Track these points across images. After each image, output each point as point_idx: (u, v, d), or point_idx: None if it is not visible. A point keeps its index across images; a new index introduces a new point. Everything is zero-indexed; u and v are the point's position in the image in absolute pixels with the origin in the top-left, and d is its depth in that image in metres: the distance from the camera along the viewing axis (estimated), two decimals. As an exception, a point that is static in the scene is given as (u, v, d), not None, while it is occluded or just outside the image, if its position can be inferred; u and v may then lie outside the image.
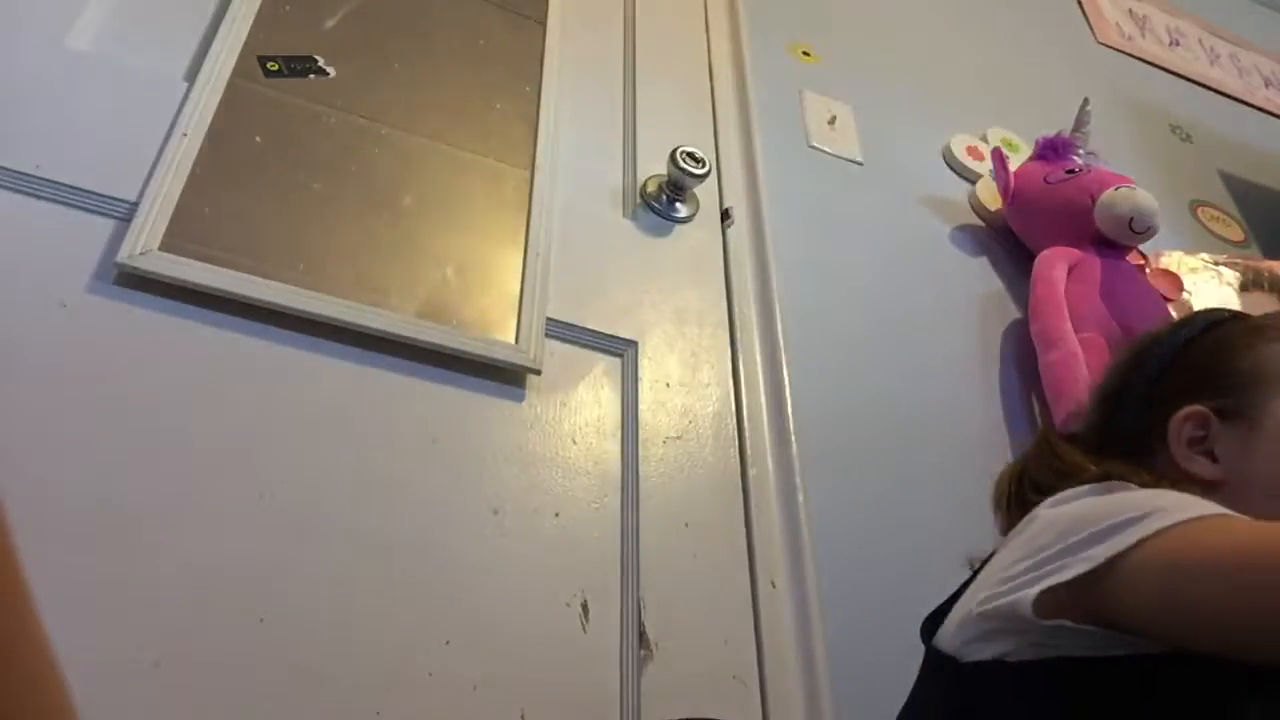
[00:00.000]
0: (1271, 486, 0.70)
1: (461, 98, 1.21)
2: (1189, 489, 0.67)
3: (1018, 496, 0.76)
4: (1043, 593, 0.58)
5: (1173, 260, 1.47)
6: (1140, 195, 1.26)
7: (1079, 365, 1.15)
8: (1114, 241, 1.27)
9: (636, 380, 1.05)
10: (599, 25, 1.43)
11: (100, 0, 1.07)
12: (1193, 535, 0.56)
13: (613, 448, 1.00)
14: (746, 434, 1.06)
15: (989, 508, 0.79)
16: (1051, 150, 1.36)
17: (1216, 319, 0.83)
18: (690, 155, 1.19)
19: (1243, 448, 0.72)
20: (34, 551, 0.83)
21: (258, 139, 1.04)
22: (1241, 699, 0.58)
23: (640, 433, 1.01)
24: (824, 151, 1.42)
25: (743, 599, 0.94)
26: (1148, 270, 1.41)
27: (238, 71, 1.07)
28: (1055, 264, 1.26)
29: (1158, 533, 0.56)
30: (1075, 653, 0.59)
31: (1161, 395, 0.78)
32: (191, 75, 1.05)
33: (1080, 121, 1.39)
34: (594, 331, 1.07)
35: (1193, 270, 1.47)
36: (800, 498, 1.02)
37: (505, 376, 0.99)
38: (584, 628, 0.87)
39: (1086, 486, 0.69)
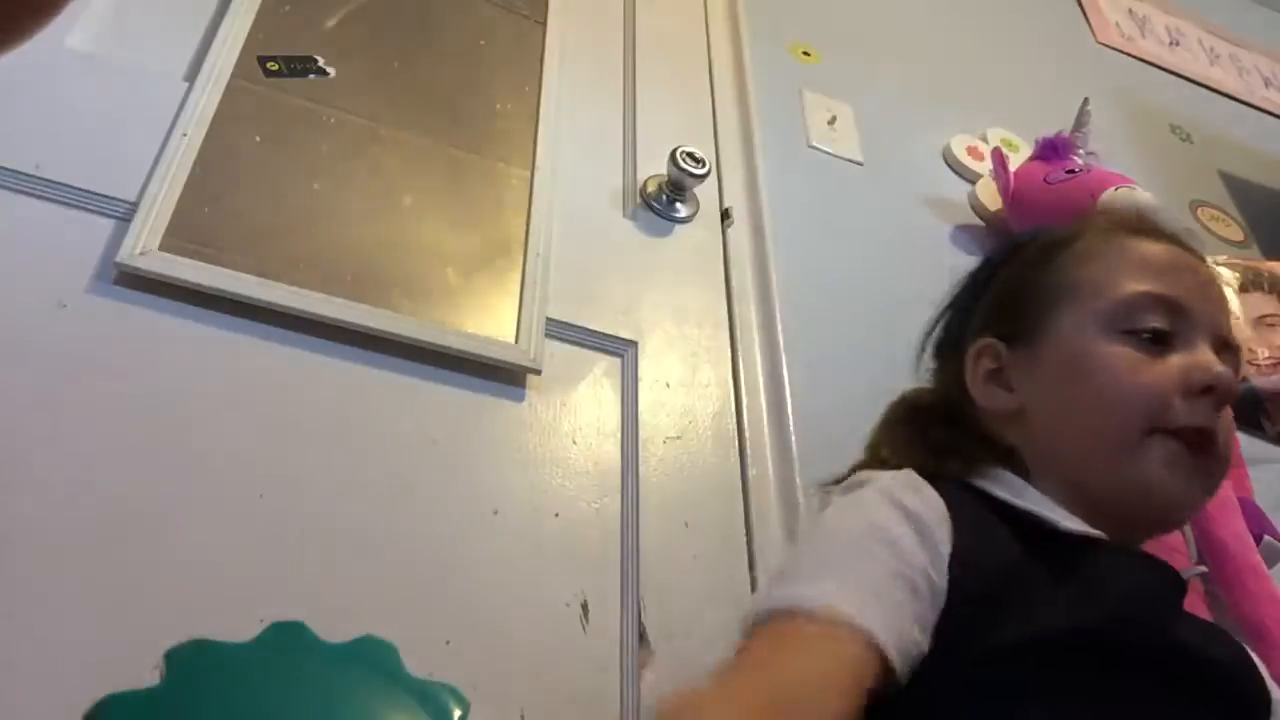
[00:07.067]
0: (1050, 410, 0.66)
1: (461, 98, 1.21)
2: (1000, 427, 0.69)
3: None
4: None
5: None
6: (1140, 195, 1.26)
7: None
8: (1114, 241, 1.27)
9: (636, 380, 1.05)
10: (599, 25, 1.43)
11: (100, 0, 1.07)
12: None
13: (612, 448, 1.00)
14: (746, 434, 1.06)
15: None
16: (1051, 150, 1.36)
17: (1020, 241, 0.77)
18: (690, 155, 1.19)
19: (1029, 373, 0.68)
20: (34, 551, 0.83)
21: (258, 139, 1.04)
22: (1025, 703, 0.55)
23: (640, 433, 1.01)
24: (824, 151, 1.42)
25: (743, 599, 0.94)
26: (1148, 270, 1.41)
27: (238, 71, 1.06)
28: (1055, 264, 1.26)
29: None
30: None
31: (970, 331, 0.75)
32: (191, 75, 1.05)
33: (1080, 121, 1.39)
34: (594, 331, 1.07)
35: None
36: (800, 498, 1.01)
37: (505, 376, 0.99)
38: (584, 628, 0.87)
39: (844, 484, 0.67)
